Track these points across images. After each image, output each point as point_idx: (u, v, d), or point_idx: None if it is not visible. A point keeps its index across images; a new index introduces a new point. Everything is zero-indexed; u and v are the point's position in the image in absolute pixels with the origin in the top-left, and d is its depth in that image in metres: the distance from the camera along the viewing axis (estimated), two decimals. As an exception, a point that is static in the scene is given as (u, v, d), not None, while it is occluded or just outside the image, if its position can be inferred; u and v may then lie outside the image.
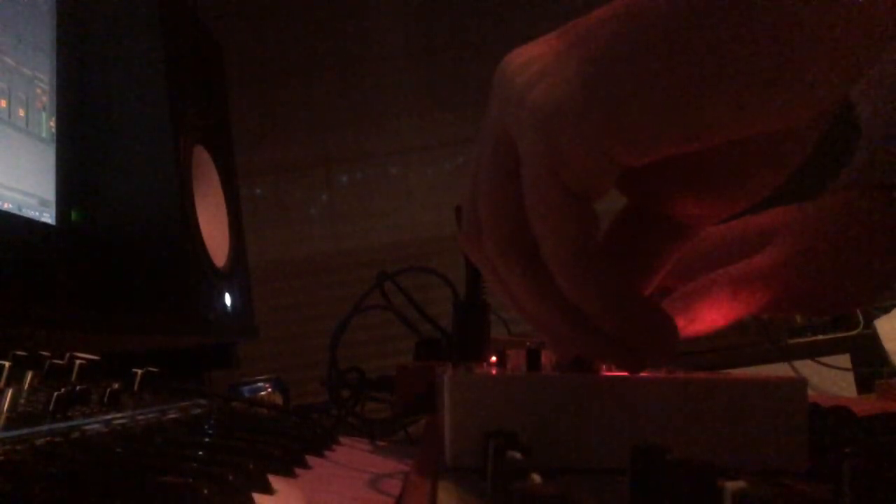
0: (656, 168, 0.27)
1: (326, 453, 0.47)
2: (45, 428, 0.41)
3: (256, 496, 0.31)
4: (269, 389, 0.97)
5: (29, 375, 0.48)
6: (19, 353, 0.52)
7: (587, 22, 0.27)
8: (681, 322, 0.35)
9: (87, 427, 0.43)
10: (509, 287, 0.30)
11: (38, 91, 0.74)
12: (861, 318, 1.14)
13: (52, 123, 0.76)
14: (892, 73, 0.45)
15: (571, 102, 0.25)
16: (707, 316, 0.36)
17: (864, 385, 1.08)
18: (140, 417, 0.50)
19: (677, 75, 0.23)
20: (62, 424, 0.42)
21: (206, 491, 0.28)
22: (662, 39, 0.23)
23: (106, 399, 0.50)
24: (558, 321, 0.29)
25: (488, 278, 0.32)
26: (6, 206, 0.67)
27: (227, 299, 1.01)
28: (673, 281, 0.43)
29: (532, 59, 0.27)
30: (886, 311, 1.09)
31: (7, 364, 0.46)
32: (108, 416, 0.47)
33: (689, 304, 0.37)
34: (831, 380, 1.09)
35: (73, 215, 0.79)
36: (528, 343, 0.36)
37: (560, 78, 0.25)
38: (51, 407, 0.43)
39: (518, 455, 0.23)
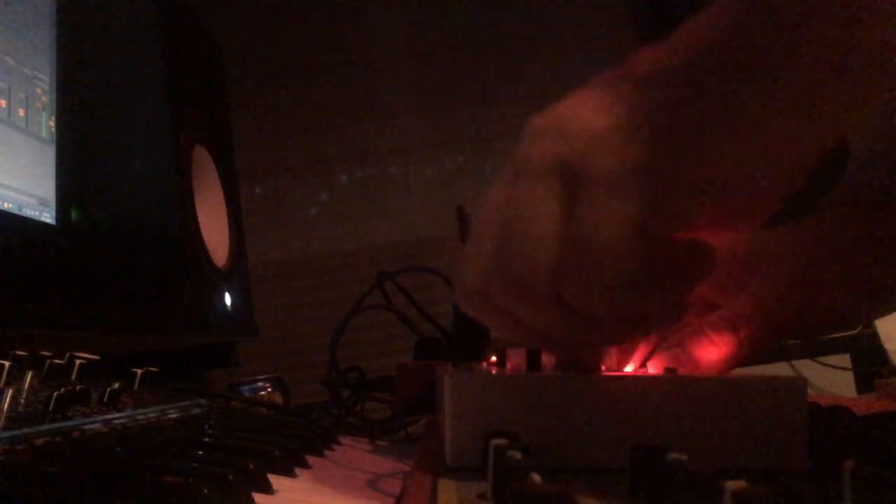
0: None
1: (326, 453, 0.47)
2: (44, 428, 0.40)
3: (257, 496, 0.31)
4: (269, 389, 0.97)
5: (29, 375, 0.48)
6: (19, 353, 0.52)
7: (649, 66, 0.29)
8: (687, 363, 0.36)
9: (87, 427, 0.43)
10: (519, 315, 0.31)
11: (38, 91, 0.74)
12: (861, 317, 1.14)
13: (52, 123, 0.76)
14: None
15: (662, 143, 0.27)
16: (708, 359, 0.37)
17: (864, 385, 1.08)
18: (140, 417, 0.50)
19: (764, 102, 0.26)
20: (62, 424, 0.42)
21: (206, 490, 0.28)
22: (745, 70, 0.26)
23: (106, 399, 0.50)
24: (567, 331, 0.31)
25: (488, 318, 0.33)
26: (6, 206, 0.67)
27: (227, 299, 1.01)
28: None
29: (596, 106, 0.29)
30: (886, 310, 1.08)
31: (7, 364, 0.46)
32: (108, 416, 0.47)
33: (690, 351, 0.37)
34: (831, 379, 1.09)
35: (73, 215, 0.79)
36: (527, 343, 0.36)
37: (638, 119, 0.27)
38: (51, 407, 0.43)
39: (518, 455, 0.23)
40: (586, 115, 0.29)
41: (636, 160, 0.27)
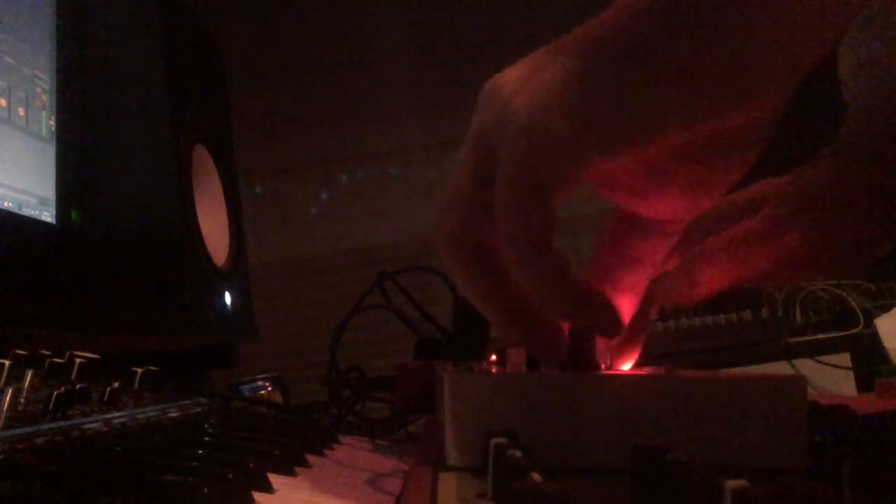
0: (635, 173, 0.31)
1: (327, 452, 0.47)
2: (45, 427, 0.41)
3: (257, 495, 0.31)
4: (270, 388, 0.97)
5: (29, 374, 0.48)
6: (19, 352, 0.52)
7: (566, 39, 0.30)
8: (685, 287, 0.36)
9: (87, 426, 0.43)
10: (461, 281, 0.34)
11: (38, 90, 0.74)
12: (861, 316, 1.14)
13: (52, 122, 0.76)
14: (876, 50, 0.46)
15: (552, 103, 0.28)
16: (708, 280, 0.37)
17: (863, 384, 1.08)
18: (140, 416, 0.50)
19: (645, 81, 0.27)
20: (62, 423, 0.42)
21: (206, 490, 0.28)
22: (632, 50, 0.27)
23: (106, 398, 0.50)
24: (497, 313, 0.33)
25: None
26: (6, 206, 0.67)
27: (227, 299, 1.01)
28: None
29: (516, 74, 0.31)
30: (886, 309, 1.09)
31: (7, 363, 0.46)
32: (108, 415, 0.47)
33: (691, 269, 0.37)
34: (831, 378, 1.09)
35: (73, 215, 0.79)
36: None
37: (542, 83, 0.29)
38: (51, 406, 0.43)
39: (518, 454, 0.23)
40: (504, 82, 0.31)
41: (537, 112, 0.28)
